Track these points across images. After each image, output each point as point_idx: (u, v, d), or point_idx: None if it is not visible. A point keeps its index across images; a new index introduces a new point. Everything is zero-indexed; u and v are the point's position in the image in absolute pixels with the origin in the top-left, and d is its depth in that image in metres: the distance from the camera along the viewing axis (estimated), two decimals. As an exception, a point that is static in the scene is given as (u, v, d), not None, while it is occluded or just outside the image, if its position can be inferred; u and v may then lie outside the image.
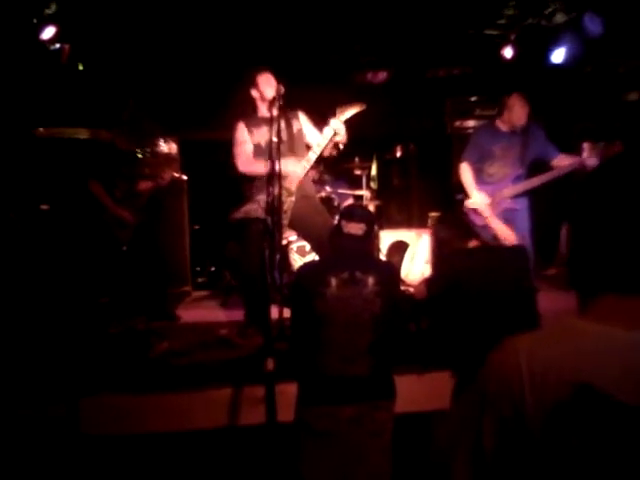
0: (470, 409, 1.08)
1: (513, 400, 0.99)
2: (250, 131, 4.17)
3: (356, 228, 2.73)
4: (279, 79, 4.06)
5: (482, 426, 1.04)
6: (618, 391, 0.91)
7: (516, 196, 4.57)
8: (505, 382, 1.01)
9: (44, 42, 5.27)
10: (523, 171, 4.59)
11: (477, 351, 2.83)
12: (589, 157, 4.32)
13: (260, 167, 3.99)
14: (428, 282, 3.67)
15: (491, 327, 2.85)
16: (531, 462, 0.97)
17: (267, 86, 4.07)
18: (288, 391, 2.84)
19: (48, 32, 5.21)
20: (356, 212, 2.85)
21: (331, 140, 4.12)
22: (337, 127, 4.04)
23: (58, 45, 5.43)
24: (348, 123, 4.08)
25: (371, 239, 2.94)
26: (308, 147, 4.21)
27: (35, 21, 5.13)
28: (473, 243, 3.18)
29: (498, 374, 1.04)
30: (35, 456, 2.99)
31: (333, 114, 4.06)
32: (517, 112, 4.58)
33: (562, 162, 4.49)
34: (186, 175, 6.12)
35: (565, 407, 0.93)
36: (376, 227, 5.88)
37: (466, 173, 4.68)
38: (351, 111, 4.08)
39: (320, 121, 4.23)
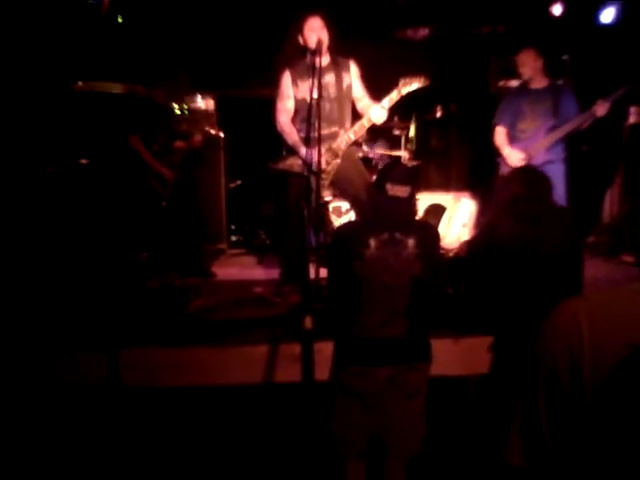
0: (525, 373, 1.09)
1: (572, 358, 1.00)
2: (295, 83, 4.01)
3: (402, 191, 2.68)
4: (329, 24, 3.88)
5: (537, 386, 1.04)
6: None
7: (551, 147, 4.56)
8: (564, 341, 1.02)
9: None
10: (556, 123, 4.56)
11: (517, 315, 2.81)
12: (599, 106, 4.33)
13: (293, 137, 3.95)
14: (471, 242, 3.62)
15: (533, 292, 2.80)
16: (581, 424, 0.99)
17: (311, 33, 3.85)
18: (325, 350, 2.86)
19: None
20: (401, 174, 2.78)
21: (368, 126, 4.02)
22: (378, 117, 3.91)
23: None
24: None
25: (414, 200, 2.89)
26: (354, 104, 4.11)
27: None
28: (523, 192, 3.07)
29: (557, 333, 1.05)
30: (76, 406, 3.07)
31: (395, 84, 3.90)
32: (530, 65, 4.62)
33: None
34: (223, 132, 6.09)
35: (623, 366, 0.94)
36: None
37: (500, 135, 4.76)
38: (415, 85, 3.90)
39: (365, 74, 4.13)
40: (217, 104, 6.15)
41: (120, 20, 5.77)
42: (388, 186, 2.69)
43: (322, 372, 2.72)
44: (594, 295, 1.09)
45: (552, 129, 4.54)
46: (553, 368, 1.03)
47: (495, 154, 4.79)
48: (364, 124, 3.97)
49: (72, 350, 3.16)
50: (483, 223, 4.55)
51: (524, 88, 4.77)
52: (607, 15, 5.89)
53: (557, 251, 2.91)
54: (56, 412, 3.05)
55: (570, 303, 1.07)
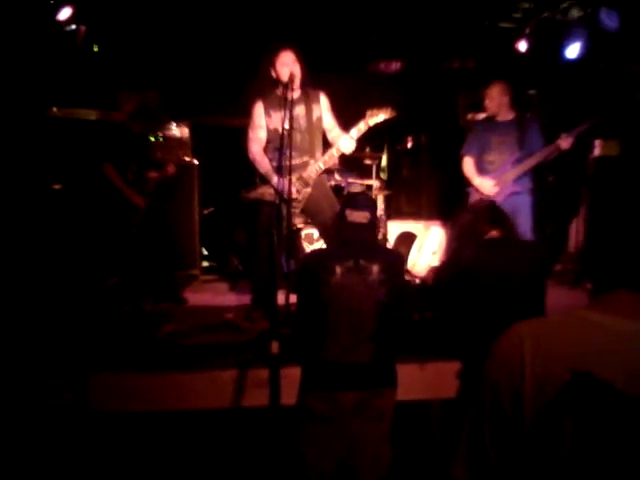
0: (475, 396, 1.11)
1: (513, 383, 1.02)
2: (268, 114, 4.07)
3: (361, 217, 2.75)
4: (300, 58, 3.96)
5: (483, 411, 1.07)
6: (620, 381, 0.94)
7: (517, 179, 4.67)
8: (506, 366, 1.04)
9: (60, 23, 5.30)
10: (522, 155, 4.68)
11: (483, 341, 2.87)
12: (562, 140, 4.47)
13: (265, 166, 4.02)
14: (437, 269, 3.69)
15: (498, 318, 2.87)
16: (522, 447, 1.00)
17: (284, 67, 3.93)
18: (292, 374, 2.89)
19: (64, 13, 5.25)
20: (360, 200, 2.87)
21: (337, 156, 4.11)
22: (346, 147, 4.00)
23: (74, 26, 5.46)
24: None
25: (375, 227, 2.95)
26: (324, 134, 4.20)
27: (52, 1, 5.16)
28: (494, 233, 3.16)
29: (500, 359, 1.07)
30: (45, 432, 3.05)
31: (362, 116, 4.00)
32: (493, 97, 4.77)
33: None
34: (197, 160, 6.14)
35: (564, 394, 0.96)
36: (382, 214, 5.91)
37: (468, 165, 4.85)
38: (382, 116, 3.99)
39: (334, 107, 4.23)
40: (192, 132, 6.21)
41: (96, 49, 5.83)
42: (347, 212, 2.76)
43: (289, 397, 2.74)
44: (539, 320, 1.10)
45: (519, 161, 4.65)
46: (496, 391, 1.04)
47: (465, 184, 4.88)
48: (334, 154, 4.05)
49: (41, 375, 3.15)
50: (448, 250, 4.65)
51: (491, 121, 4.88)
52: (572, 51, 6.05)
53: (521, 277, 2.98)
54: (25, 437, 3.03)
55: (515, 328, 1.08)
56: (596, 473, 0.93)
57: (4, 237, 4.60)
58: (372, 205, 2.90)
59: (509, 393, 1.02)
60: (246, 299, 4.40)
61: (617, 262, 1.03)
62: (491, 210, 3.32)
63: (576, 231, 6.35)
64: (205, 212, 6.42)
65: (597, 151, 6.08)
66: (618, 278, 1.03)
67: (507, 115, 4.78)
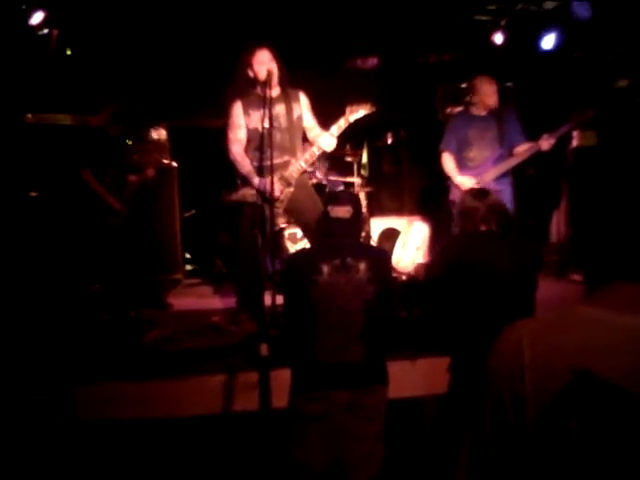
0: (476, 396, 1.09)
1: (514, 385, 0.99)
2: (247, 113, 4.04)
3: (343, 211, 2.73)
4: (277, 56, 3.94)
5: (485, 414, 1.05)
6: (621, 378, 0.92)
7: (498, 177, 4.68)
8: (507, 368, 1.02)
9: (33, 27, 5.22)
10: (503, 151, 4.70)
11: (474, 336, 2.87)
12: (544, 140, 4.47)
13: (246, 166, 3.99)
14: (428, 265, 3.67)
15: (488, 313, 2.86)
16: (525, 454, 0.98)
17: (261, 65, 3.90)
18: (282, 377, 2.86)
19: (37, 17, 5.17)
20: (341, 195, 2.86)
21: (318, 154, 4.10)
22: (327, 145, 4.00)
23: (46, 30, 5.38)
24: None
25: (359, 222, 2.92)
26: (305, 133, 4.17)
27: (24, 6, 5.07)
28: (483, 227, 3.14)
29: (500, 360, 1.04)
30: (31, 442, 2.99)
31: (342, 112, 3.98)
32: (485, 92, 4.72)
33: (521, 149, 4.66)
34: (176, 162, 6.09)
35: (567, 393, 0.94)
36: (365, 211, 5.90)
37: (448, 162, 4.82)
38: (362, 112, 3.99)
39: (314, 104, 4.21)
40: (169, 134, 6.15)
41: (69, 52, 5.75)
42: (329, 208, 2.75)
43: (280, 399, 2.72)
44: (537, 319, 1.09)
45: (499, 159, 4.66)
46: (497, 394, 1.02)
47: (445, 178, 4.89)
48: (315, 152, 4.03)
49: (26, 387, 3.10)
50: (437, 244, 4.64)
51: (467, 114, 4.87)
52: (548, 41, 6.09)
53: (511, 269, 2.97)
54: (13, 451, 2.97)
55: (514, 328, 1.06)
56: (603, 474, 0.91)
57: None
58: (354, 200, 2.87)
59: (510, 396, 1.00)
60: (231, 302, 4.37)
61: (612, 254, 1.01)
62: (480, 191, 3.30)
63: (557, 222, 6.39)
64: (186, 215, 6.37)
65: (575, 142, 6.13)
66: (614, 270, 1.01)
67: (484, 109, 4.76)
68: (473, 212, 3.07)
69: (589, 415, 0.93)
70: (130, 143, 5.07)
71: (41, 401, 3.03)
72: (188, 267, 6.39)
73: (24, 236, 4.88)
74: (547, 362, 0.97)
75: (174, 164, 6.05)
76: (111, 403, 3.09)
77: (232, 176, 4.24)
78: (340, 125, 3.98)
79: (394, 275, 4.09)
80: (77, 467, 3.04)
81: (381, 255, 2.90)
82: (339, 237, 2.74)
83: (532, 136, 4.69)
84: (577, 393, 0.93)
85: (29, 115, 5.58)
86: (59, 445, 3.02)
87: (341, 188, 5.95)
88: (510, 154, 4.72)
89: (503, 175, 4.70)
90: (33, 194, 5.25)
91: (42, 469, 2.99)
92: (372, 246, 5.04)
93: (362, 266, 2.66)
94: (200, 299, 5.32)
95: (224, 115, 4.22)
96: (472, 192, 3.28)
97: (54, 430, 3.02)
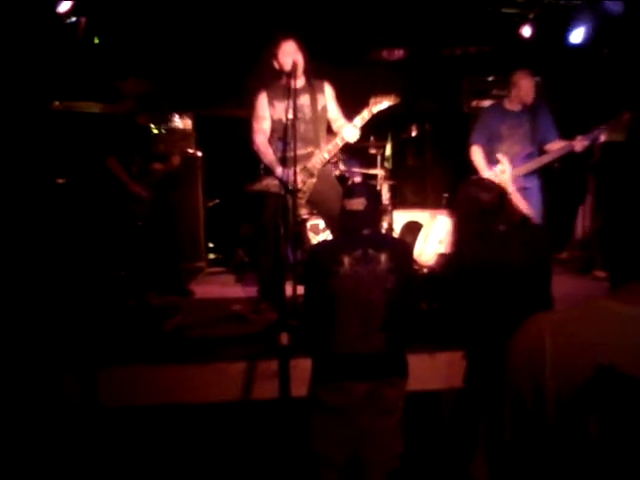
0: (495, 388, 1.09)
1: (534, 379, 0.99)
2: (271, 104, 4.05)
3: (357, 204, 2.72)
4: (302, 47, 3.94)
5: (503, 407, 1.04)
6: None
7: (527, 175, 4.60)
8: (527, 361, 1.01)
9: (60, 15, 5.27)
10: (534, 149, 4.63)
11: (490, 331, 2.85)
12: (578, 142, 4.39)
13: (269, 157, 3.99)
14: (445, 258, 3.65)
15: (505, 307, 2.84)
16: (545, 448, 0.98)
17: (286, 57, 3.90)
18: (302, 366, 2.88)
19: (64, 5, 5.22)
20: (355, 188, 2.86)
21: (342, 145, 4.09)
22: (350, 136, 3.99)
23: (74, 18, 5.43)
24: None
25: (376, 212, 2.91)
26: (329, 124, 4.17)
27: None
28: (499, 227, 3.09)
29: (520, 353, 1.04)
30: (53, 428, 3.05)
31: (366, 104, 3.96)
32: (524, 88, 4.64)
33: (554, 147, 4.58)
34: (201, 151, 6.12)
35: (587, 387, 0.93)
36: (387, 204, 5.88)
37: (477, 155, 4.74)
38: (385, 103, 3.96)
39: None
40: (195, 123, 6.19)
41: (97, 41, 5.80)
42: (345, 202, 2.75)
43: (300, 388, 2.73)
44: (559, 312, 1.08)
45: (530, 156, 4.58)
46: (517, 387, 1.02)
47: (472, 171, 4.81)
48: (338, 143, 4.03)
49: (48, 371, 3.15)
50: (452, 239, 4.60)
51: (500, 108, 4.78)
52: (577, 35, 6.01)
53: (525, 265, 2.95)
54: (34, 434, 3.03)
55: (535, 321, 1.05)
56: (622, 469, 0.91)
57: (9, 233, 4.59)
58: (368, 191, 2.86)
59: (531, 390, 1.00)
60: (253, 291, 4.39)
61: (637, 250, 1.00)
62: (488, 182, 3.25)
63: (582, 217, 6.31)
64: (210, 204, 6.41)
65: (602, 137, 6.03)
66: (639, 266, 1.01)
67: (518, 104, 4.68)
68: (479, 203, 3.03)
69: (610, 411, 0.92)
70: (156, 132, 5.11)
71: (63, 385, 3.08)
72: (211, 256, 6.43)
73: (51, 223, 4.95)
74: (570, 356, 0.97)
75: (199, 153, 6.08)
76: (132, 388, 3.13)
77: (256, 166, 4.26)
78: (363, 116, 3.97)
79: (415, 267, 4.08)
80: (97, 452, 3.09)
81: (402, 246, 2.90)
82: (356, 229, 2.74)
83: (560, 131, 4.62)
84: (599, 388, 0.93)
85: (56, 102, 5.64)
86: (80, 429, 3.07)
87: (357, 179, 5.91)
88: (542, 151, 4.64)
89: (532, 172, 4.62)
90: (60, 181, 5.32)
91: (61, 454, 3.05)
92: (393, 237, 5.02)
93: (383, 257, 2.65)
94: (222, 287, 5.35)
95: (249, 105, 4.24)
96: (479, 183, 3.23)
97: (76, 415, 3.06)
